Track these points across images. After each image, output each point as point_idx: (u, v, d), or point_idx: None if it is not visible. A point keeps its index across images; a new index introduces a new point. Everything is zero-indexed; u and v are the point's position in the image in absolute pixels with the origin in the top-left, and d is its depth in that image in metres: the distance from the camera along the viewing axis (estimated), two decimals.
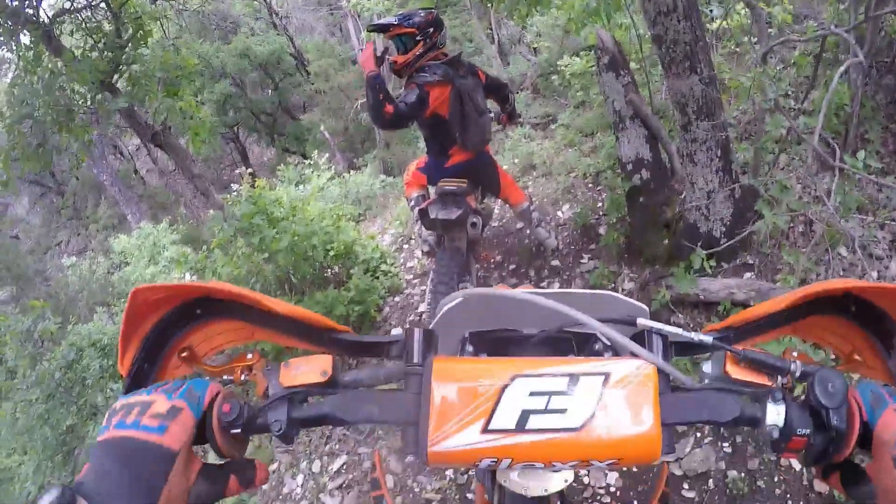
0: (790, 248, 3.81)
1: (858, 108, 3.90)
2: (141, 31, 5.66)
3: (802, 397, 0.77)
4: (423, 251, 4.45)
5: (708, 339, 0.85)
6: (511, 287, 3.91)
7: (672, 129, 5.10)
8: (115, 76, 5.64)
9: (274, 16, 19.76)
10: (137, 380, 0.88)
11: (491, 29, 11.62)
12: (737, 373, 0.83)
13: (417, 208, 3.91)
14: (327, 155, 12.18)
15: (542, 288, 5.00)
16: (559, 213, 6.02)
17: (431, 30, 3.71)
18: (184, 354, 0.95)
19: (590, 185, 6.26)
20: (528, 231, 5.32)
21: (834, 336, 0.96)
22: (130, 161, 23.83)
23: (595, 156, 6.65)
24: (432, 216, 3.72)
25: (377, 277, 5.92)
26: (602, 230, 5.27)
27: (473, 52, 14.72)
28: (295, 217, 5.24)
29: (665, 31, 3.37)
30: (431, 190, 4.22)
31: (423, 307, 5.52)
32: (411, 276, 6.17)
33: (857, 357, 0.94)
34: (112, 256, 12.76)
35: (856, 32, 3.58)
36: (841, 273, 3.62)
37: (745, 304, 3.54)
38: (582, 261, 5.17)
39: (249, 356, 0.90)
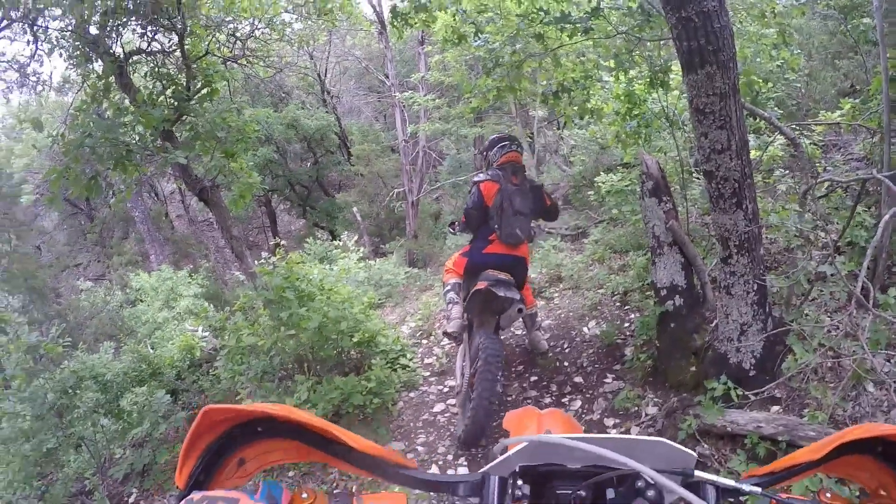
0: (818, 383, 3.75)
1: (888, 243, 3.94)
2: (210, 88, 5.88)
3: None
4: (446, 331, 4.76)
5: (757, 489, 0.88)
6: (535, 403, 3.80)
7: (706, 257, 5.14)
8: (175, 126, 5.81)
9: (326, 94, 20.38)
10: (192, 489, 0.89)
11: (531, 137, 11.93)
12: None
13: (475, 288, 4.40)
14: (356, 237, 12.34)
15: (564, 405, 4.97)
16: (585, 330, 6.00)
17: (485, 153, 4.99)
18: (239, 466, 0.96)
19: (617, 304, 6.26)
20: (527, 332, 5.63)
21: (862, 473, 1.01)
22: (164, 204, 24.23)
23: (625, 274, 6.69)
24: (500, 294, 4.25)
25: (395, 370, 5.90)
26: (628, 351, 5.23)
27: None
28: (326, 298, 5.27)
29: (717, 168, 3.46)
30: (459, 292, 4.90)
31: (438, 406, 5.46)
32: (428, 374, 6.13)
33: (882, 492, 0.99)
34: (128, 292, 12.88)
35: None
36: (868, 409, 3.56)
37: (772, 439, 3.46)
38: (605, 380, 5.11)
39: (304, 496, 0.87)
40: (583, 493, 1.01)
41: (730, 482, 0.88)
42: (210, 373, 6.65)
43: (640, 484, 0.95)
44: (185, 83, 5.86)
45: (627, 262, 6.96)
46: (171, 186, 23.86)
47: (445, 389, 5.73)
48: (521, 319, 5.14)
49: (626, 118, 5.95)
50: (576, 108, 5.78)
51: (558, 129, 13.86)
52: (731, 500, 0.94)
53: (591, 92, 5.77)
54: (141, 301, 11.69)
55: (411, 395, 5.78)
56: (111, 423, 5.68)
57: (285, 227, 23.79)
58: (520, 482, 1.00)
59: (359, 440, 0.90)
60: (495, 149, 4.84)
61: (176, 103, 5.66)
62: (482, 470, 0.98)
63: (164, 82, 5.86)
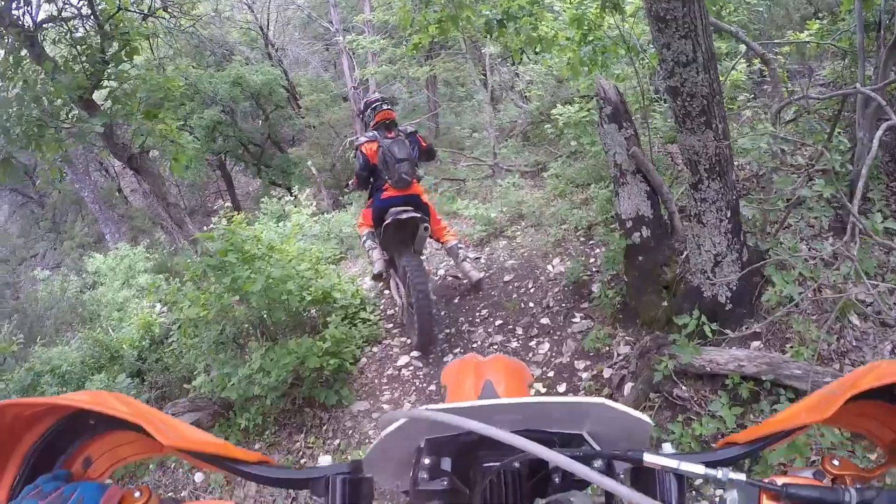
0: (799, 315, 3.56)
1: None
2: (127, 48, 5.37)
3: None
4: (373, 275, 5.44)
5: (739, 476, 0.68)
6: (501, 348, 3.60)
7: (672, 186, 4.90)
8: (96, 92, 5.33)
9: (270, 47, 19.59)
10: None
11: (484, 75, 11.47)
12: None
13: (384, 224, 4.99)
14: (309, 190, 11.94)
15: (531, 349, 4.75)
16: (549, 268, 5.75)
17: (362, 115, 5.58)
18: (86, 468, 0.83)
19: (582, 239, 6.01)
20: (456, 267, 5.89)
21: (873, 422, 0.82)
22: (115, 179, 23.30)
23: (587, 208, 6.44)
24: (404, 217, 4.92)
25: (355, 325, 5.65)
26: (595, 288, 4.98)
27: (465, 97, 14.67)
28: (272, 258, 4.97)
29: (682, 83, 3.14)
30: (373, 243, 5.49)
31: (402, 360, 5.25)
32: (391, 325, 5.89)
33: None
34: (84, 276, 12.55)
35: (885, 92, 3.39)
36: (854, 343, 3.38)
37: (755, 378, 3.26)
38: (574, 320, 4.89)
39: (137, 494, 0.74)
40: (517, 464, 0.88)
41: (696, 469, 0.69)
42: (168, 349, 6.35)
43: (584, 447, 0.84)
44: (99, 45, 5.32)
45: (590, 196, 6.71)
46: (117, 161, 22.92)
47: (408, 341, 5.51)
48: (452, 259, 5.78)
49: (580, 45, 5.61)
50: (523, 37, 5.40)
51: (513, 64, 13.48)
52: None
53: (538, 19, 5.39)
54: (101, 284, 11.30)
55: (374, 349, 5.57)
56: None
57: (243, 189, 23.12)
58: (426, 460, 0.90)
59: (182, 439, 0.75)
60: (369, 110, 5.45)
61: (91, 68, 5.15)
62: (363, 457, 0.85)
63: (78, 47, 5.32)
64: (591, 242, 5.87)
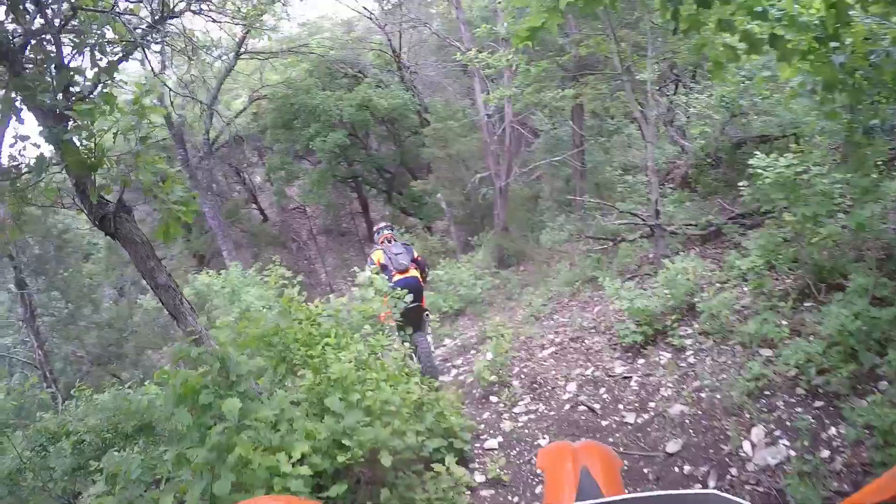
0: None
1: None
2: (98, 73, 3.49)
3: None
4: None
5: None
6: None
7: None
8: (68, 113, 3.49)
9: (403, 69, 18.18)
10: None
11: (642, 105, 9.01)
12: None
13: (405, 309, 5.96)
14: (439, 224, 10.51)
15: None
16: (745, 447, 3.26)
17: (374, 234, 7.69)
18: None
19: (802, 392, 3.48)
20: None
21: None
22: (242, 193, 23.55)
23: (803, 325, 3.95)
24: (412, 305, 5.98)
25: (423, 482, 3.63)
26: None
27: (614, 131, 12.93)
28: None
29: None
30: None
31: None
32: (482, 479, 3.87)
33: None
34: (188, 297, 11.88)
35: None
36: None
37: None
38: None
39: None
40: None
41: None
42: None
43: None
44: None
45: (803, 295, 4.23)
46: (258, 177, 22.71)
47: None
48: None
49: (822, 49, 3.18)
50: (734, 36, 2.97)
51: (673, 92, 11.12)
52: None
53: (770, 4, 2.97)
54: (209, 301, 10.43)
55: None
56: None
57: (380, 212, 22.36)
58: None
59: None
60: (376, 234, 7.31)
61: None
62: None
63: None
64: (816, 404, 3.34)
